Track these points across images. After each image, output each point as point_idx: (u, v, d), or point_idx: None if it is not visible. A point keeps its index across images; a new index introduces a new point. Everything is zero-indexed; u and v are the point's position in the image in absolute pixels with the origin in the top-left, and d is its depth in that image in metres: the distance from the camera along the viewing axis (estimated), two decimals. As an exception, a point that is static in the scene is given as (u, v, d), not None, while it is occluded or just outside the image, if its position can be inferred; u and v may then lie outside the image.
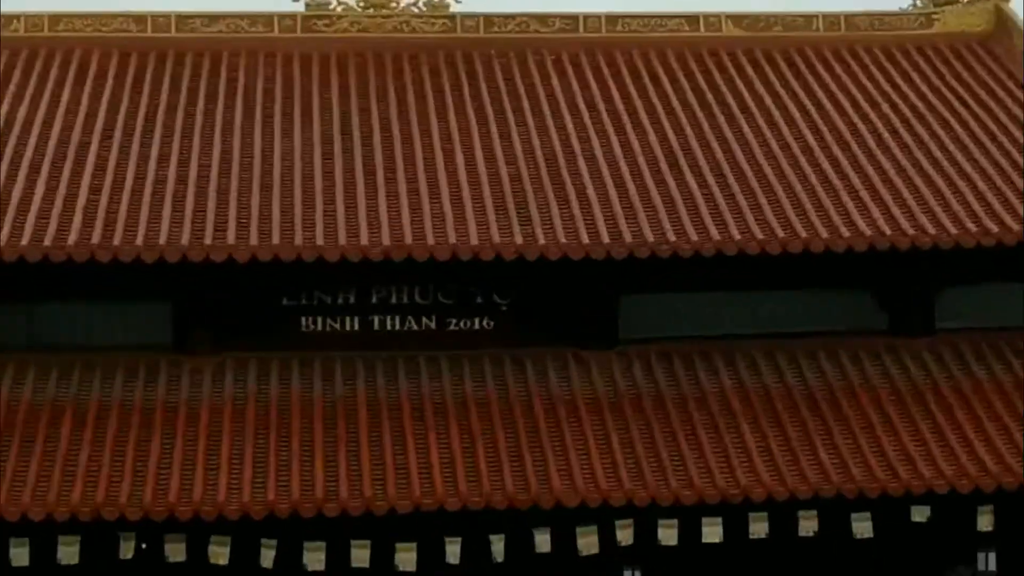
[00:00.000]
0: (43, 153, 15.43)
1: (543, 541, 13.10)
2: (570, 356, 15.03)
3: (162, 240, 13.46)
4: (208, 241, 13.65)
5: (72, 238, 13.35)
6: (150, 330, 15.05)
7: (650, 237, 13.92)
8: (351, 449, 13.36)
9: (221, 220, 14.14)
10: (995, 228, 13.97)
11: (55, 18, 18.09)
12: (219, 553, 12.65)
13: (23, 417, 13.53)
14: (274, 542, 12.82)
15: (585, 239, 13.88)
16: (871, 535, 13.39)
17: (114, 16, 18.19)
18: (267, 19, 18.27)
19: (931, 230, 13.93)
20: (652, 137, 16.41)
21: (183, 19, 18.32)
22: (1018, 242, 13.79)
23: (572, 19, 18.68)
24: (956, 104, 17.24)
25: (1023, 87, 17.14)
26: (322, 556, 12.89)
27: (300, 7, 18.54)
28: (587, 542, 13.06)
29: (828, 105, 17.28)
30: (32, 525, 12.06)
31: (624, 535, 13.06)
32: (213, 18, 18.38)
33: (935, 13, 19.01)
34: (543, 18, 18.80)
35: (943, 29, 18.92)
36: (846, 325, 15.54)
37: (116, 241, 13.39)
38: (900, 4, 19.60)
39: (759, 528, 13.22)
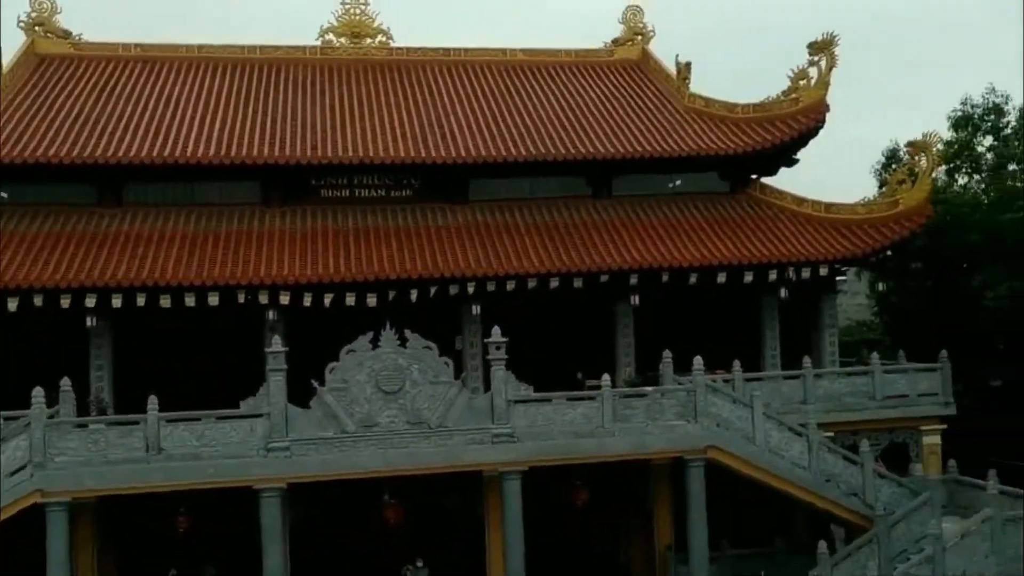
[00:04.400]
0: None
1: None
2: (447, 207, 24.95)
3: None
4: None
5: None
6: None
7: (492, 151, 24.82)
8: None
9: None
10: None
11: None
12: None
13: None
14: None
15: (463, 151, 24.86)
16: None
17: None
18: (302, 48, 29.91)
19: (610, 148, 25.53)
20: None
21: (264, 48, 29.75)
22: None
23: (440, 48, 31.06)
24: (621, 88, 29.64)
25: (651, 84, 29.68)
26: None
27: (318, 43, 30.10)
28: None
29: (562, 92, 29.21)
30: None
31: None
32: (276, 47, 29.86)
33: (614, 50, 31.80)
34: (425, 49, 30.78)
35: (619, 57, 31.59)
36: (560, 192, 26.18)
37: None
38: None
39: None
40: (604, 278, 22.85)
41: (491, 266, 22.38)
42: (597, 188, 25.97)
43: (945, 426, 23.55)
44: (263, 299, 21.38)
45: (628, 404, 20.37)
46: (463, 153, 24.45)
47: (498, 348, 19.49)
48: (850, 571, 19.59)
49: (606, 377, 20.59)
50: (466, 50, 30.74)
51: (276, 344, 19.08)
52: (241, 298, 21.27)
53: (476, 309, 22.75)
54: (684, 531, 20.76)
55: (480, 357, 22.59)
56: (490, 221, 24.56)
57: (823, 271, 23.99)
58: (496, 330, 19.55)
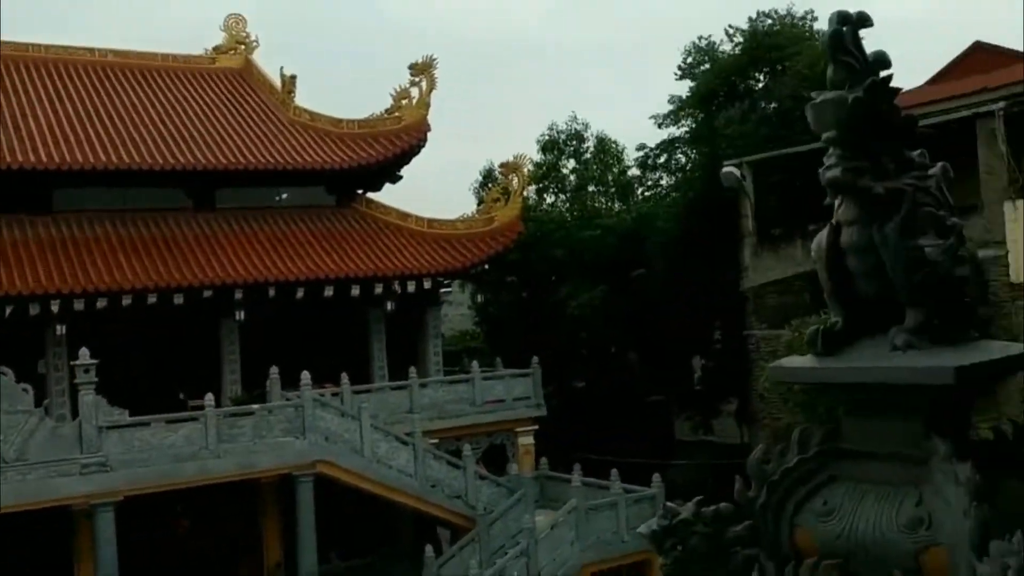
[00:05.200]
0: None
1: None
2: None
3: None
4: None
5: None
6: None
7: (80, 158, 22.76)
8: None
9: None
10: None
11: None
12: None
13: None
14: None
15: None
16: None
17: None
18: None
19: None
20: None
21: None
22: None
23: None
24: (224, 98, 28.57)
25: (256, 95, 28.90)
26: None
27: None
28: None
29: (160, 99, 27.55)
30: None
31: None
32: None
33: (216, 58, 30.72)
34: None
35: (221, 65, 30.42)
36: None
37: None
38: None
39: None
40: (207, 294, 21.97)
41: (79, 283, 20.59)
42: (199, 200, 24.92)
43: (537, 427, 25.42)
44: None
45: (234, 423, 19.74)
46: (44, 159, 22.29)
47: (87, 371, 17.98)
48: (454, 571, 20.47)
49: (210, 396, 19.78)
50: (47, 47, 28.04)
51: None
52: None
53: (61, 330, 20.77)
54: (295, 547, 20.50)
55: (67, 382, 20.67)
56: (78, 234, 22.61)
57: (427, 284, 24.93)
58: (84, 352, 18.02)
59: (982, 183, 21.51)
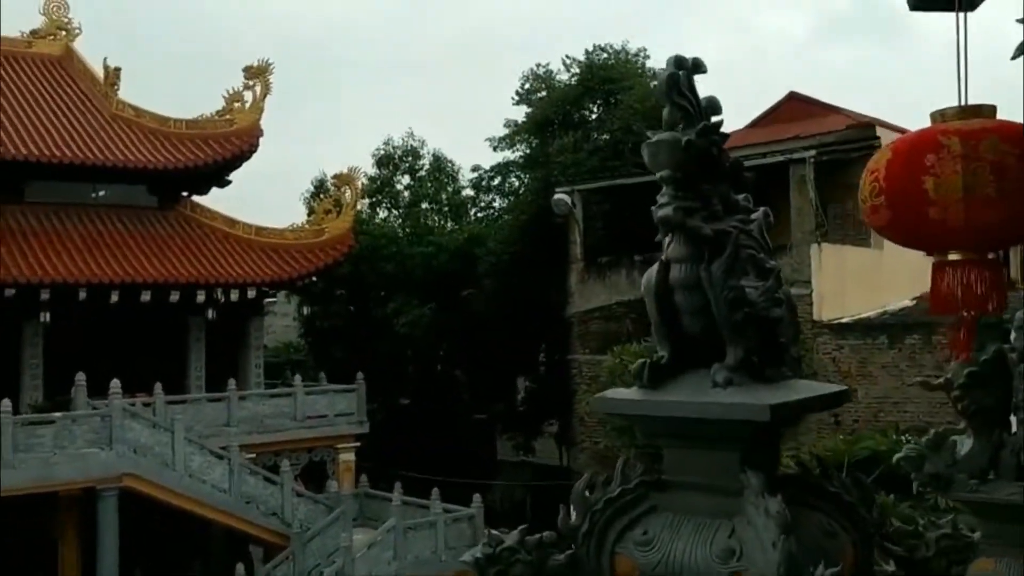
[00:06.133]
0: None
1: None
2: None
3: None
4: None
5: None
6: None
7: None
8: None
9: None
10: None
11: None
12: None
13: None
14: None
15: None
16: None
17: None
18: None
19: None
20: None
21: None
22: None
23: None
24: (41, 86, 26.89)
25: (76, 85, 27.32)
26: None
27: None
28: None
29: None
30: None
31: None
32: None
33: (33, 42, 28.49)
34: None
35: (38, 50, 28.39)
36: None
37: None
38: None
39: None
40: (9, 292, 20.55)
41: None
42: (5, 192, 23.27)
43: (359, 443, 25.09)
44: None
45: (32, 432, 18.56)
46: None
47: None
48: (266, 590, 19.88)
49: (6, 402, 18.48)
50: None
51: None
52: None
53: None
54: (95, 564, 19.38)
55: None
56: None
57: (251, 293, 24.22)
58: None
59: (793, 225, 22.85)
